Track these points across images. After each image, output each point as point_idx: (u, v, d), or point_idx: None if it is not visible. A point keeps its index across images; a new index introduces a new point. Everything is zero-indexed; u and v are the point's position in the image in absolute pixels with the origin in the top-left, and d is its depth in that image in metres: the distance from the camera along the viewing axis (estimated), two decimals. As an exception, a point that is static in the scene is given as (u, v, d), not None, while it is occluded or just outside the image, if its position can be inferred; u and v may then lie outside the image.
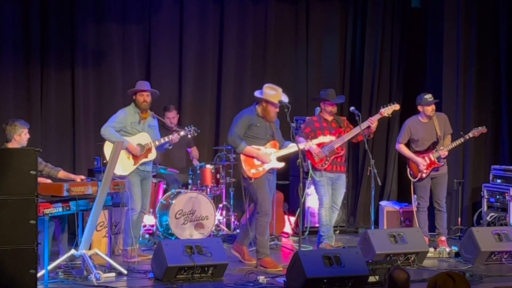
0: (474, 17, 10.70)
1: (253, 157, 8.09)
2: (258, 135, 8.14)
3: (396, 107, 9.05)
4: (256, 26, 11.11)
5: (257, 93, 8.19)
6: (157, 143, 8.47)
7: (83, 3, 10.21)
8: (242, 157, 8.12)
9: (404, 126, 9.38)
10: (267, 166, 8.12)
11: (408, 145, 9.38)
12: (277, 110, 8.16)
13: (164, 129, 9.78)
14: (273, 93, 8.10)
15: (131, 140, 8.31)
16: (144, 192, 8.44)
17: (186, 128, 8.90)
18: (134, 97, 8.46)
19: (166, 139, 8.55)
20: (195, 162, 10.22)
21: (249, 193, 8.19)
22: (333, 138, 8.83)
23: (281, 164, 8.24)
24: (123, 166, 8.25)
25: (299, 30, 11.38)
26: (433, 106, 9.21)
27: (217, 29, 10.90)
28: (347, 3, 11.50)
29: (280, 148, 8.23)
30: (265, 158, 8.09)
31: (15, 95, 9.91)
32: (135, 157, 8.34)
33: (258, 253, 8.10)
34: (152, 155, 8.50)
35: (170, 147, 8.89)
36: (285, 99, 8.15)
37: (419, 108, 9.23)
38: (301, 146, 8.23)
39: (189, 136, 8.97)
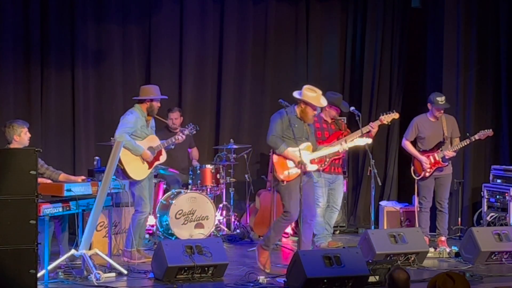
0: (474, 17, 10.70)
1: (286, 159, 7.90)
2: (295, 136, 7.89)
3: (396, 115, 9.06)
4: (256, 26, 11.11)
5: (296, 94, 8.03)
6: (165, 144, 8.50)
7: (83, 3, 10.22)
8: (274, 158, 7.97)
9: (412, 123, 9.37)
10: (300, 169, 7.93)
11: (414, 143, 9.39)
12: (315, 112, 8.04)
13: (166, 131, 9.80)
14: (313, 95, 7.95)
15: (143, 144, 8.32)
16: (149, 194, 8.46)
17: (187, 126, 8.94)
18: (148, 102, 8.35)
19: (174, 139, 8.60)
20: (195, 163, 10.23)
21: (279, 195, 8.04)
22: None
23: (314, 167, 8.05)
24: (139, 171, 8.28)
25: (299, 30, 11.38)
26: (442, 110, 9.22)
27: (217, 29, 10.90)
28: (347, 3, 11.50)
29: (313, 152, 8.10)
30: (302, 166, 7.81)
31: (15, 95, 9.91)
32: (149, 161, 8.37)
33: (263, 243, 7.96)
34: (163, 157, 8.55)
35: (173, 147, 8.93)
36: (324, 101, 8.06)
37: (429, 105, 9.23)
38: (336, 148, 8.19)
39: (191, 134, 8.97)
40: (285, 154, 7.86)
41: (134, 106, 8.41)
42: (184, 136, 8.74)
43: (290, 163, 7.88)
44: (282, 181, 7.86)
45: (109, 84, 10.41)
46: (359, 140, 8.40)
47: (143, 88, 8.49)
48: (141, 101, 8.38)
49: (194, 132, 8.96)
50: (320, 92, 8.01)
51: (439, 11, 10.83)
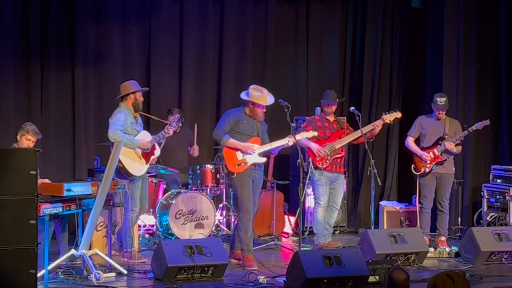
0: (474, 17, 10.70)
1: (236, 150, 8.17)
2: (243, 132, 8.26)
3: (398, 115, 9.08)
4: (256, 26, 11.11)
5: (243, 95, 8.33)
6: (157, 139, 8.50)
7: (83, 4, 10.22)
8: (224, 152, 8.23)
9: (416, 122, 9.44)
10: (249, 161, 8.18)
11: (417, 142, 9.40)
12: (264, 110, 8.31)
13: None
14: (259, 95, 8.24)
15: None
16: (143, 193, 8.44)
17: (173, 119, 8.82)
18: (131, 97, 8.35)
19: (163, 133, 8.57)
20: (194, 152, 10.13)
21: (232, 190, 8.28)
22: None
23: (263, 159, 8.31)
24: (137, 167, 8.27)
25: (299, 30, 11.39)
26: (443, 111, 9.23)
27: (217, 29, 10.91)
28: (347, 3, 11.50)
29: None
30: (248, 149, 8.17)
31: (15, 95, 9.91)
32: (146, 156, 8.36)
33: (242, 250, 8.18)
34: (158, 151, 8.59)
35: (163, 141, 8.92)
36: (270, 99, 8.31)
37: (432, 106, 9.28)
38: (284, 141, 8.33)
39: (178, 125, 8.85)
40: (229, 144, 8.20)
41: (119, 106, 8.41)
42: (172, 128, 8.59)
43: (239, 156, 8.18)
44: (232, 173, 8.15)
45: (109, 84, 10.41)
46: (305, 134, 8.63)
47: (123, 86, 8.49)
48: (124, 99, 8.38)
49: (180, 124, 8.88)
50: (265, 91, 8.30)
51: (439, 11, 10.83)
